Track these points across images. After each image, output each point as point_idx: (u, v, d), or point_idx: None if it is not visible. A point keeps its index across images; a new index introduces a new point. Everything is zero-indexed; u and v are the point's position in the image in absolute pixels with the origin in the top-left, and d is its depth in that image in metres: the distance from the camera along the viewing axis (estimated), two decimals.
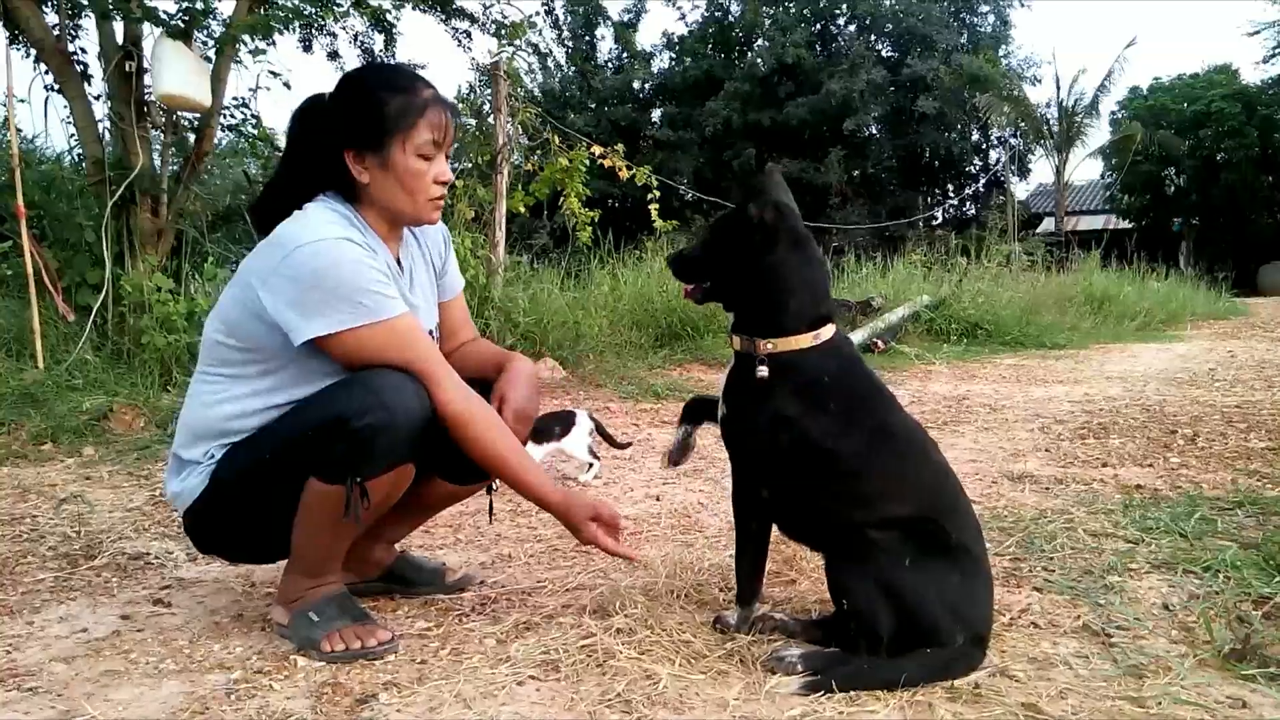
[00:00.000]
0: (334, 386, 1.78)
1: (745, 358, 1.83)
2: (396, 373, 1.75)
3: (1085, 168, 29.24)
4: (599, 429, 3.38)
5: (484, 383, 2.04)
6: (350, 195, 1.88)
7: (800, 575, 2.26)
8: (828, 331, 1.82)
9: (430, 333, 2.03)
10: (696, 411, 2.07)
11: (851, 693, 1.60)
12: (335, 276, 1.71)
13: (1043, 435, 4.31)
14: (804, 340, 1.79)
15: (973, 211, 27.18)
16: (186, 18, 5.09)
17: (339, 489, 1.72)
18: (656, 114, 28.63)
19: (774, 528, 1.92)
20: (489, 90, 7.04)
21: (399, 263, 1.95)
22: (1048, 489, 3.19)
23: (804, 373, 1.79)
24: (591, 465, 3.44)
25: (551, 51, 27.84)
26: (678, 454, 2.06)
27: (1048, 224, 26.50)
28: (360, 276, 1.73)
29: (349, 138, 1.83)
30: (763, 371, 1.78)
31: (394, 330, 1.76)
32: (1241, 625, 1.85)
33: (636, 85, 28.56)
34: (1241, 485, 3.13)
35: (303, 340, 1.73)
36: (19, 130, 5.17)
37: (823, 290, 1.86)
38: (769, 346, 1.79)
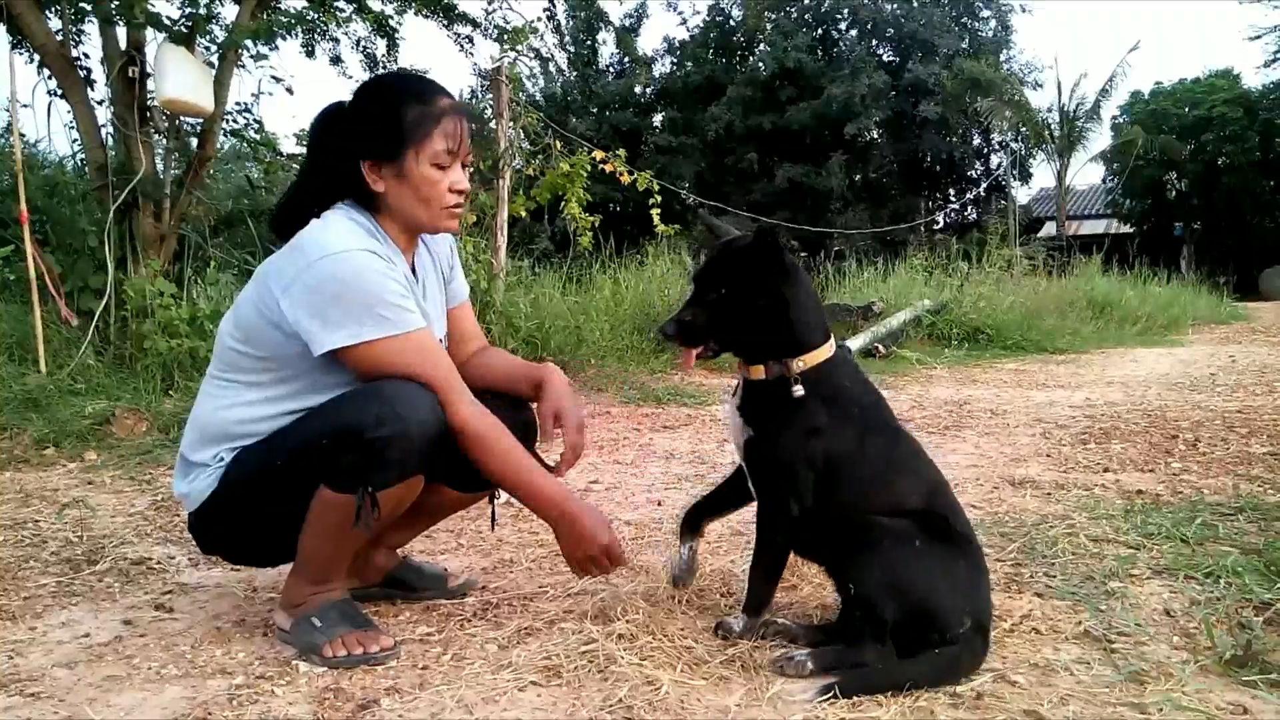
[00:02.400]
0: (348, 396, 1.78)
1: (774, 382, 1.83)
2: (410, 384, 1.75)
3: (1087, 172, 29.31)
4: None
5: (513, 397, 2.06)
6: (368, 204, 1.89)
7: (801, 580, 2.25)
8: (833, 341, 1.89)
9: (439, 341, 2.03)
10: (696, 521, 2.05)
11: (856, 696, 1.60)
12: (358, 288, 1.73)
13: (1044, 440, 4.30)
14: (827, 351, 1.85)
15: (974, 216, 27.18)
16: (189, 23, 5.11)
17: (349, 498, 1.73)
18: (658, 119, 28.64)
19: None
20: (490, 95, 7.05)
21: (414, 272, 1.97)
22: (1049, 494, 3.19)
23: (832, 382, 1.84)
24: None
25: (553, 56, 27.93)
26: (685, 575, 2.03)
27: (1049, 228, 26.47)
28: (383, 289, 1.74)
29: (365, 147, 1.84)
30: (799, 390, 1.81)
31: (412, 343, 1.77)
32: (1243, 631, 1.85)
33: (638, 90, 28.57)
34: (1243, 491, 3.13)
35: (323, 351, 1.74)
36: (22, 135, 5.18)
37: (822, 305, 1.95)
38: (800, 365, 1.82)
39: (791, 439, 1.81)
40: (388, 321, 1.74)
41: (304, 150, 2.11)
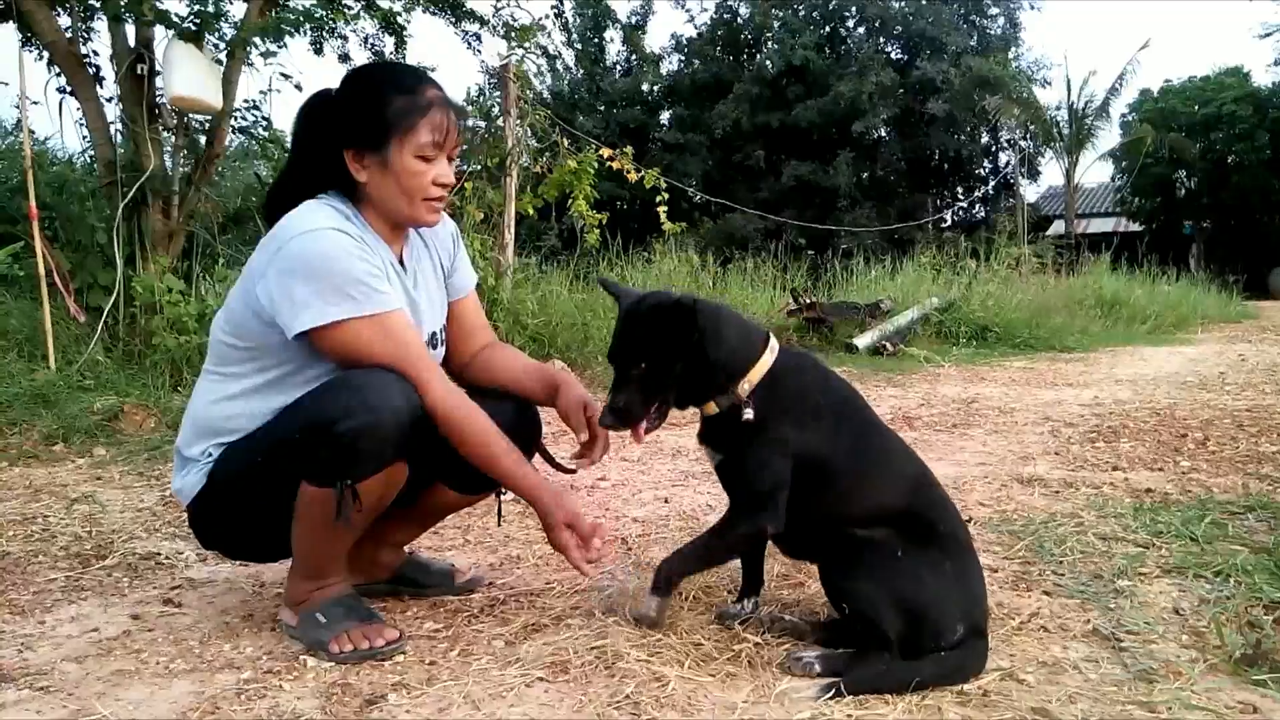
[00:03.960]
0: (320, 388, 1.77)
1: (728, 410, 1.81)
2: (382, 372, 1.73)
3: (1095, 170, 29.10)
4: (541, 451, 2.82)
5: (520, 397, 2.05)
6: (353, 194, 1.88)
7: (809, 578, 2.25)
8: (775, 344, 1.86)
9: (435, 334, 2.02)
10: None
11: (862, 694, 1.60)
12: (325, 267, 1.72)
13: (1052, 438, 4.29)
14: (767, 360, 1.83)
15: (982, 214, 27.08)
16: (198, 20, 5.11)
17: (329, 492, 1.72)
18: (665, 116, 28.59)
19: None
20: (498, 93, 7.06)
21: (402, 263, 1.95)
22: (1057, 492, 3.18)
23: (785, 386, 1.82)
24: None
25: (560, 54, 27.92)
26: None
27: (1058, 226, 26.37)
28: (350, 268, 1.73)
29: (350, 136, 1.83)
30: (749, 414, 1.78)
31: (383, 325, 1.76)
32: (1252, 630, 1.85)
33: (645, 87, 28.52)
34: (1252, 489, 3.12)
35: (295, 333, 1.73)
36: (31, 132, 5.20)
37: (743, 317, 1.92)
38: (746, 385, 1.80)
39: (759, 455, 1.79)
40: (354, 301, 1.72)
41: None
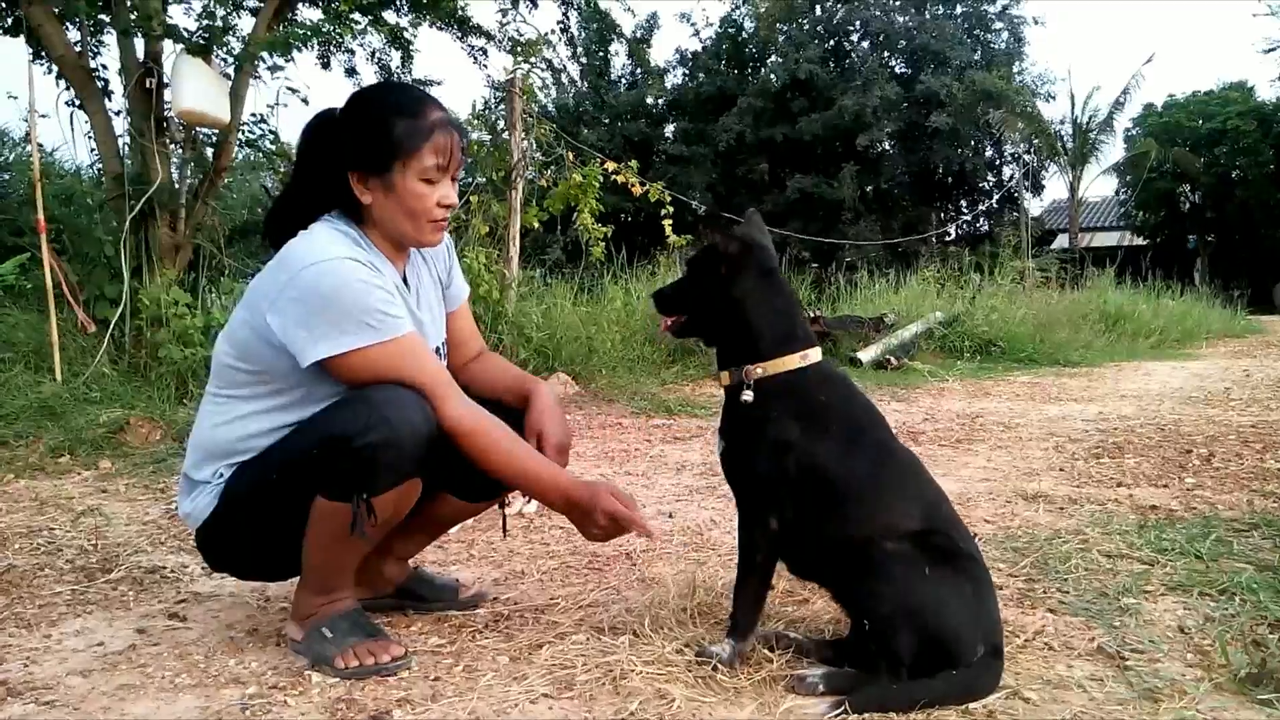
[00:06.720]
0: (337, 404, 1.78)
1: (736, 389, 1.84)
2: (399, 388, 1.75)
3: (1100, 184, 29.15)
4: None
5: (500, 406, 2.04)
6: (356, 215, 1.89)
7: (814, 594, 2.25)
8: (815, 354, 1.86)
9: (437, 349, 2.04)
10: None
11: (869, 712, 1.59)
12: (342, 297, 1.72)
13: (1057, 454, 4.28)
14: (793, 361, 1.82)
15: (986, 228, 27.05)
16: (206, 35, 5.16)
17: (345, 506, 1.73)
18: (670, 129, 28.66)
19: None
20: (504, 106, 7.09)
21: (405, 281, 1.97)
22: (1062, 509, 3.18)
23: (801, 393, 1.82)
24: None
25: (565, 68, 28.02)
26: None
27: (1062, 241, 26.39)
28: (367, 296, 1.74)
29: (354, 160, 1.84)
30: (747, 396, 1.80)
31: (401, 349, 1.77)
32: (1258, 649, 1.84)
33: (650, 101, 28.61)
34: (1258, 506, 3.11)
35: (310, 362, 1.73)
36: (40, 144, 5.24)
37: (798, 315, 1.91)
38: (758, 372, 1.82)
39: (758, 451, 1.80)
40: (373, 329, 1.74)
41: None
